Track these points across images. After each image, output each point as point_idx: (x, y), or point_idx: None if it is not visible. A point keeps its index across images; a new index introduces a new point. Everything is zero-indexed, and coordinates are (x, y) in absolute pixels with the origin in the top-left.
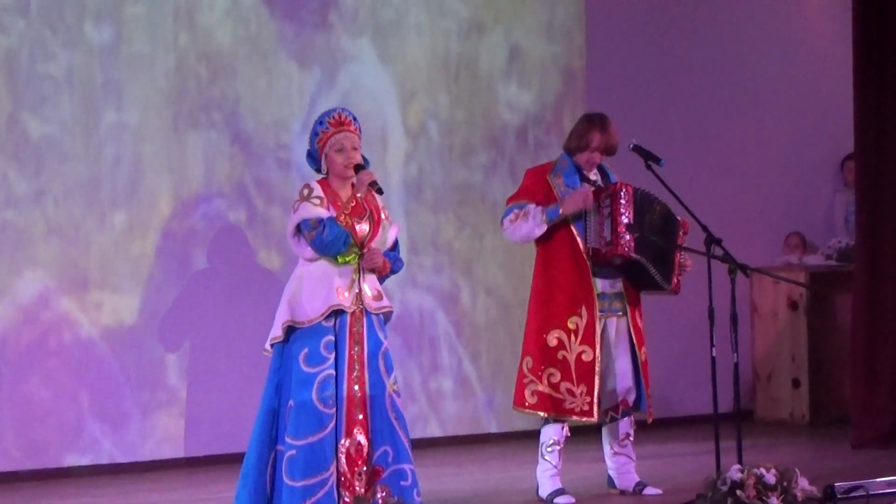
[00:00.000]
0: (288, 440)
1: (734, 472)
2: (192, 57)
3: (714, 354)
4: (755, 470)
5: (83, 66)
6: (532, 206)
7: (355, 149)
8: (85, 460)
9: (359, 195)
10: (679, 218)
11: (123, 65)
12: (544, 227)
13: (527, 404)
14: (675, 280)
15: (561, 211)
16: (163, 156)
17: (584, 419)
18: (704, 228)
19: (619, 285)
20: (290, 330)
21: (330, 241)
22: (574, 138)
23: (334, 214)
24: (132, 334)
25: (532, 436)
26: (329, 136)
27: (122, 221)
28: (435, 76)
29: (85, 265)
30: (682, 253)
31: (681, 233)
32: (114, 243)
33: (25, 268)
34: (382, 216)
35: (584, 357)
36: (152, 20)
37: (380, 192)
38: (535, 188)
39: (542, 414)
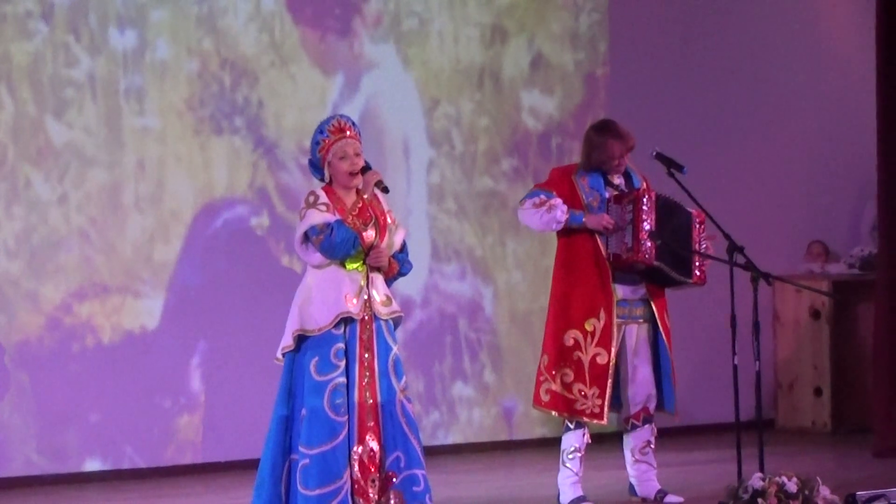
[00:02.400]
0: (301, 449)
1: (756, 481)
2: (215, 63)
3: (736, 362)
4: (777, 478)
5: (106, 71)
6: (559, 202)
7: (358, 154)
8: (106, 465)
9: (365, 196)
10: (691, 210)
11: (147, 70)
12: (562, 226)
13: (541, 402)
14: (698, 273)
15: (584, 220)
16: (185, 161)
17: (595, 421)
18: (727, 236)
19: (641, 291)
20: (301, 338)
21: (339, 243)
22: (595, 155)
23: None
24: (154, 339)
25: (553, 443)
26: (331, 143)
27: (145, 227)
28: (458, 83)
29: (107, 270)
30: (701, 240)
31: (696, 223)
32: (136, 248)
33: (48, 273)
34: (388, 220)
35: (598, 360)
36: (175, 26)
37: (385, 190)
38: (561, 186)
39: (553, 413)
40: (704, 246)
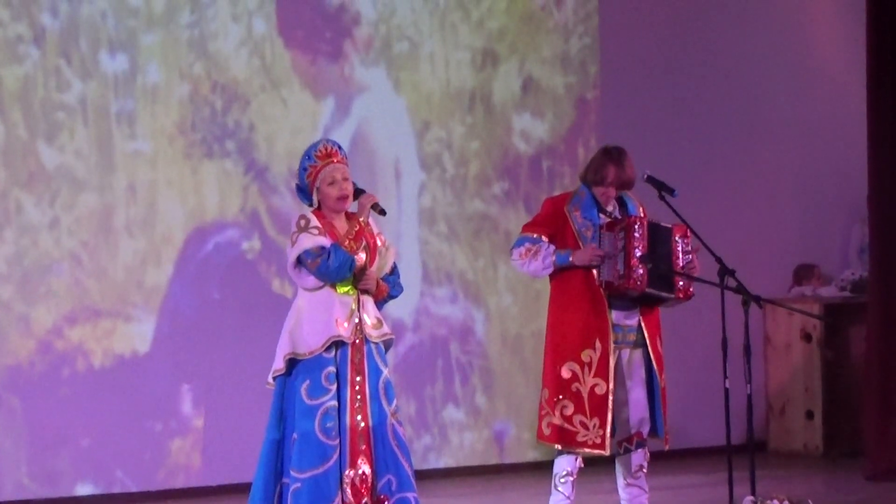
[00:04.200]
0: (293, 473)
1: None
2: (206, 86)
3: (727, 386)
4: (768, 501)
5: (98, 95)
6: (544, 245)
7: (346, 179)
8: (98, 489)
9: (361, 219)
10: (670, 225)
11: (138, 94)
12: (551, 270)
13: (544, 436)
14: (683, 289)
15: (571, 259)
16: (177, 185)
17: (597, 452)
18: (718, 259)
19: (635, 317)
20: (292, 362)
21: (336, 268)
22: (591, 171)
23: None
24: (145, 363)
25: (545, 467)
26: (318, 169)
27: (136, 250)
28: (449, 107)
29: (99, 294)
30: (684, 257)
31: (675, 238)
32: (127, 272)
33: (39, 297)
34: (378, 242)
35: (597, 390)
36: (167, 50)
37: (382, 213)
38: (552, 219)
39: (557, 446)
40: (689, 258)
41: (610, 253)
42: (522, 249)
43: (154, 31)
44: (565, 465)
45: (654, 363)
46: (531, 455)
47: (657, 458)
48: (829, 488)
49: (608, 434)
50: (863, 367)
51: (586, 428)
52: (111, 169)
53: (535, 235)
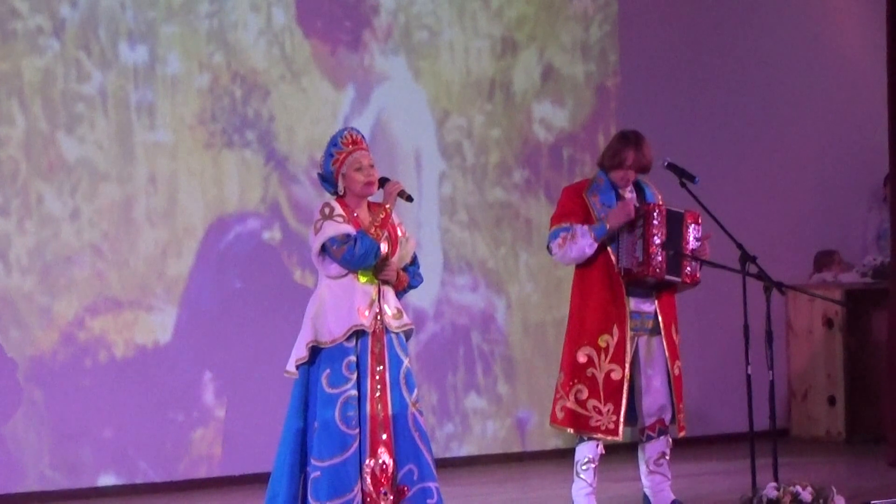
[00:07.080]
0: (313, 461)
1: (770, 490)
2: (226, 77)
3: (749, 372)
4: (791, 488)
5: (118, 86)
6: (579, 227)
7: (372, 166)
8: (120, 480)
9: (388, 205)
10: (682, 210)
11: (158, 85)
12: (595, 245)
13: (557, 420)
14: (690, 274)
15: (608, 226)
16: (197, 175)
17: (609, 437)
18: (739, 246)
19: (652, 304)
20: (314, 350)
21: (362, 255)
22: (608, 156)
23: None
24: (167, 354)
25: (567, 454)
26: (345, 156)
27: (157, 241)
28: (469, 95)
29: (120, 285)
30: (694, 242)
31: (687, 223)
32: (148, 263)
33: (60, 288)
34: (399, 233)
35: (613, 375)
36: (186, 40)
37: (409, 199)
38: (575, 207)
39: (569, 430)
40: (698, 244)
41: (632, 237)
42: (559, 240)
43: (173, 21)
44: (587, 452)
45: (666, 352)
46: (553, 443)
47: (680, 445)
48: (852, 474)
49: (622, 420)
50: (885, 353)
51: (600, 413)
52: (131, 160)
53: (566, 224)
